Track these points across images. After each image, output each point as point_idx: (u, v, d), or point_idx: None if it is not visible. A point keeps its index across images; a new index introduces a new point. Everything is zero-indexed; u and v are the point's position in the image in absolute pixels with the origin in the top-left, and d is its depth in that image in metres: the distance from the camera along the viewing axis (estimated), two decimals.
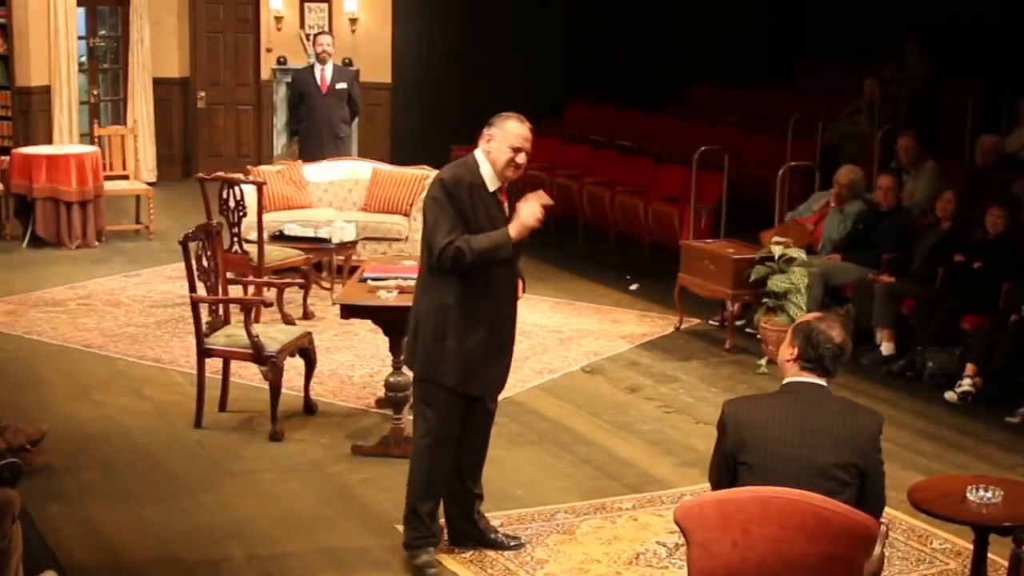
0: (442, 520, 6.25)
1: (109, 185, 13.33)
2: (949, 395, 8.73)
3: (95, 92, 16.11)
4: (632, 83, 16.09)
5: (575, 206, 13.81)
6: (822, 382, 4.69)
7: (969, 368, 8.68)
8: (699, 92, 16.39)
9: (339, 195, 12.04)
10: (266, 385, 7.81)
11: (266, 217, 10.32)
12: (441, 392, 5.90)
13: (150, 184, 14.59)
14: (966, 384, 8.64)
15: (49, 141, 14.61)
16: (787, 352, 4.76)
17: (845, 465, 4.52)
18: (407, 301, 7.17)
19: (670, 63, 16.31)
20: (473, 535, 6.30)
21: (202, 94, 16.77)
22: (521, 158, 5.81)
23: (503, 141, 5.77)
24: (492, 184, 5.83)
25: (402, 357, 6.17)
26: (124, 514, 6.68)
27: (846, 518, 4.26)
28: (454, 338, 5.83)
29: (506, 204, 5.91)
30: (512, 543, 6.32)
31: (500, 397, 6.31)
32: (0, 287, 11.23)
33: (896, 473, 6.74)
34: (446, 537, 6.29)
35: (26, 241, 12.86)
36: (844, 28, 15.83)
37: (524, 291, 6.20)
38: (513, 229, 5.75)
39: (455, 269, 5.74)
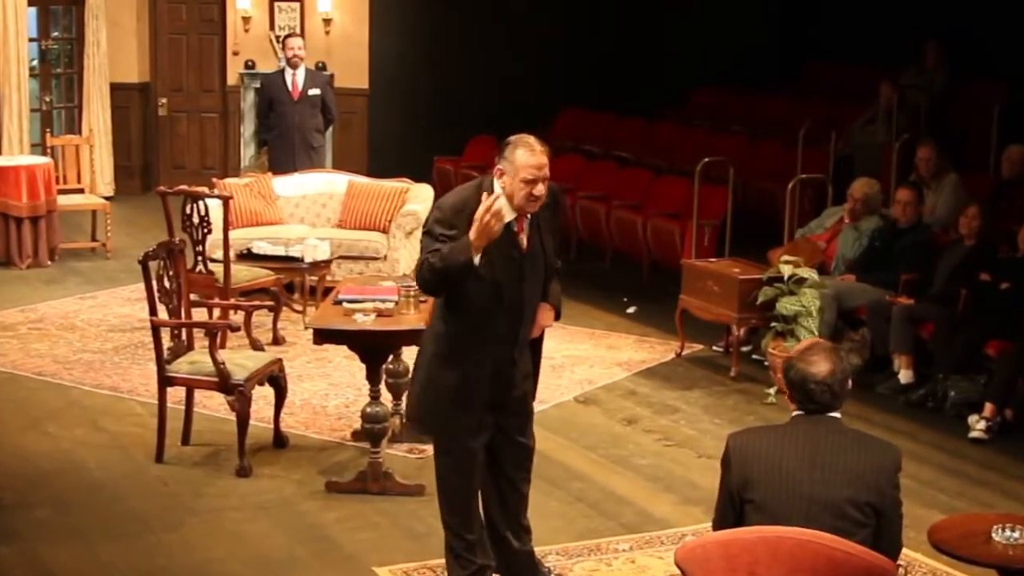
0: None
1: (63, 199, 13.31)
2: (973, 418, 8.73)
3: (47, 99, 16.14)
4: (629, 87, 16.14)
5: (568, 222, 13.82)
6: (834, 414, 4.73)
7: (988, 409, 8.63)
8: (701, 96, 16.43)
9: (312, 210, 12.05)
10: (233, 416, 7.82)
11: (233, 234, 10.32)
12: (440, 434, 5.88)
13: (107, 198, 14.60)
14: (979, 429, 8.59)
15: None
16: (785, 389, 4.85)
17: (859, 503, 4.55)
18: (385, 325, 7.25)
19: (670, 65, 16.35)
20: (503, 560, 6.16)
21: (163, 101, 16.79)
22: (538, 189, 5.53)
23: (514, 175, 5.54)
24: (508, 214, 5.58)
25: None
26: (79, 555, 6.68)
27: (861, 560, 4.28)
28: (425, 371, 5.80)
29: (524, 235, 5.70)
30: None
31: None
32: None
33: (915, 511, 6.76)
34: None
35: None
36: (859, 28, 15.89)
37: (557, 319, 6.00)
38: (473, 232, 5.46)
39: (429, 287, 5.67)
